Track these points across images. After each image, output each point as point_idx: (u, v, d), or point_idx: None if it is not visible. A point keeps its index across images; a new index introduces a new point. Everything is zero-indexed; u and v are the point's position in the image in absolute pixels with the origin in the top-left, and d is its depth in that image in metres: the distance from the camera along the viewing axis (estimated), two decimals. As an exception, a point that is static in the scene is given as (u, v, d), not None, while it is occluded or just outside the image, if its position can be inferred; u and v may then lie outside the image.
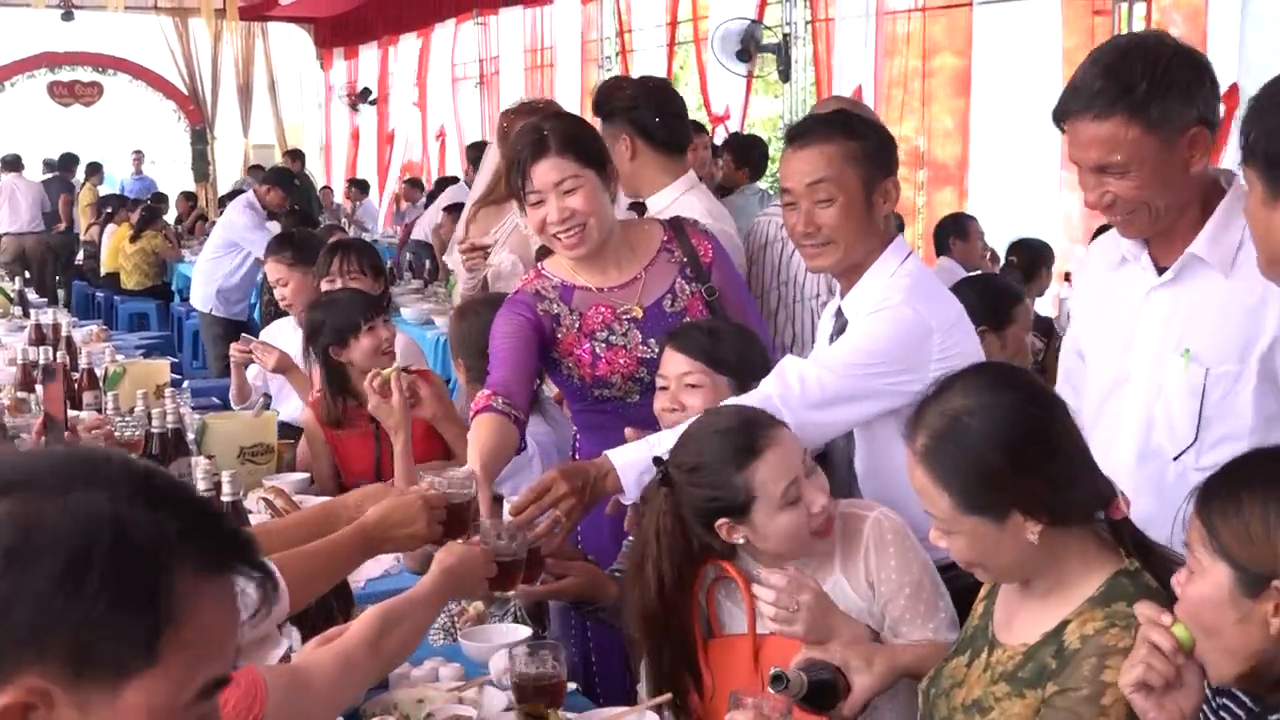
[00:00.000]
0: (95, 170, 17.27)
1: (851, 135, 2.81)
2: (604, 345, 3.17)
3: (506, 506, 2.71)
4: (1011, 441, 1.96)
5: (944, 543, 2.03)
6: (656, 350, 3.08)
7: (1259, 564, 1.66)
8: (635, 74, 12.37)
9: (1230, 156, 2.35)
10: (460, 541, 2.55)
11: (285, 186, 10.01)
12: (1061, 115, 2.40)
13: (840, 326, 2.86)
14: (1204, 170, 2.40)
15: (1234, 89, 7.08)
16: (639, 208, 3.88)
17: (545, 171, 3.07)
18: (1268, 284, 2.33)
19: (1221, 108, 2.41)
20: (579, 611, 3.02)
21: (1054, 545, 1.98)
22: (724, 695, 2.47)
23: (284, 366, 4.74)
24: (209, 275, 9.43)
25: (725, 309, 3.21)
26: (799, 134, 2.86)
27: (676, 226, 3.29)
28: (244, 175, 17.76)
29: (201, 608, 1.18)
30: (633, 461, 2.72)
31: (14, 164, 15.83)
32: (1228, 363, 2.36)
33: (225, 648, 1.23)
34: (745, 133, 9.78)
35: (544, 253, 3.45)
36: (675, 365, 2.95)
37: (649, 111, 3.84)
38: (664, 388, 2.97)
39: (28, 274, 13.81)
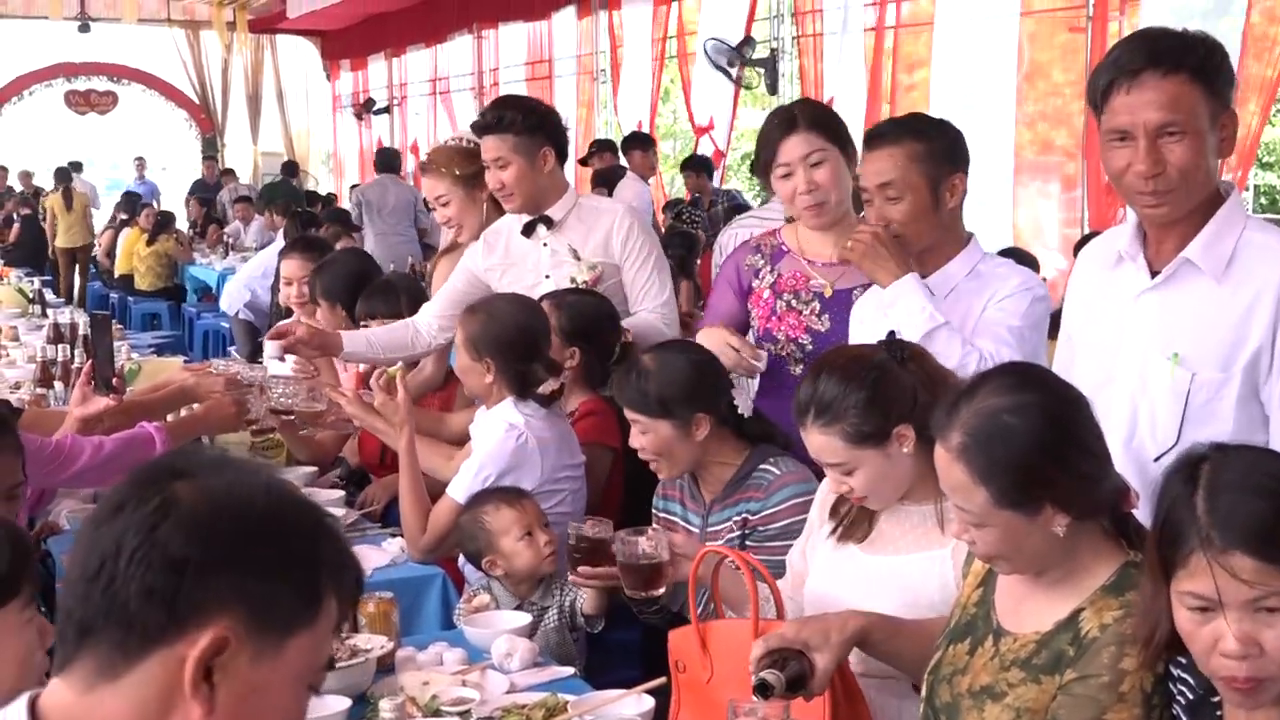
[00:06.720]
0: (63, 177, 16.02)
1: (918, 137, 2.89)
2: (785, 305, 3.26)
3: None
4: (1050, 438, 1.94)
5: (967, 537, 2.01)
6: (828, 325, 3.20)
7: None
8: (627, 86, 12.39)
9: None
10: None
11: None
12: (1115, 80, 2.26)
13: None
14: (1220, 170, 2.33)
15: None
16: (547, 221, 3.87)
17: (794, 146, 3.17)
18: (1257, 293, 2.26)
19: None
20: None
21: (1073, 537, 1.97)
22: (723, 678, 2.44)
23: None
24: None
25: None
26: (872, 137, 2.96)
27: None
28: (228, 185, 16.89)
29: (333, 590, 1.29)
30: None
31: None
32: (1213, 369, 2.29)
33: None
34: (730, 145, 9.89)
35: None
36: (630, 416, 3.07)
37: (558, 128, 3.91)
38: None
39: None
